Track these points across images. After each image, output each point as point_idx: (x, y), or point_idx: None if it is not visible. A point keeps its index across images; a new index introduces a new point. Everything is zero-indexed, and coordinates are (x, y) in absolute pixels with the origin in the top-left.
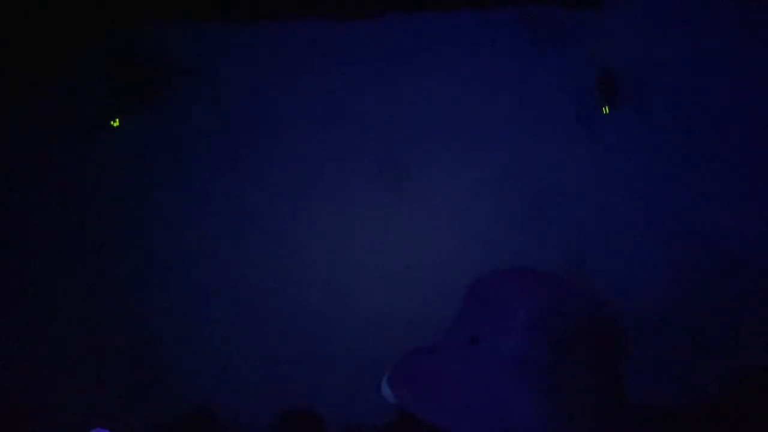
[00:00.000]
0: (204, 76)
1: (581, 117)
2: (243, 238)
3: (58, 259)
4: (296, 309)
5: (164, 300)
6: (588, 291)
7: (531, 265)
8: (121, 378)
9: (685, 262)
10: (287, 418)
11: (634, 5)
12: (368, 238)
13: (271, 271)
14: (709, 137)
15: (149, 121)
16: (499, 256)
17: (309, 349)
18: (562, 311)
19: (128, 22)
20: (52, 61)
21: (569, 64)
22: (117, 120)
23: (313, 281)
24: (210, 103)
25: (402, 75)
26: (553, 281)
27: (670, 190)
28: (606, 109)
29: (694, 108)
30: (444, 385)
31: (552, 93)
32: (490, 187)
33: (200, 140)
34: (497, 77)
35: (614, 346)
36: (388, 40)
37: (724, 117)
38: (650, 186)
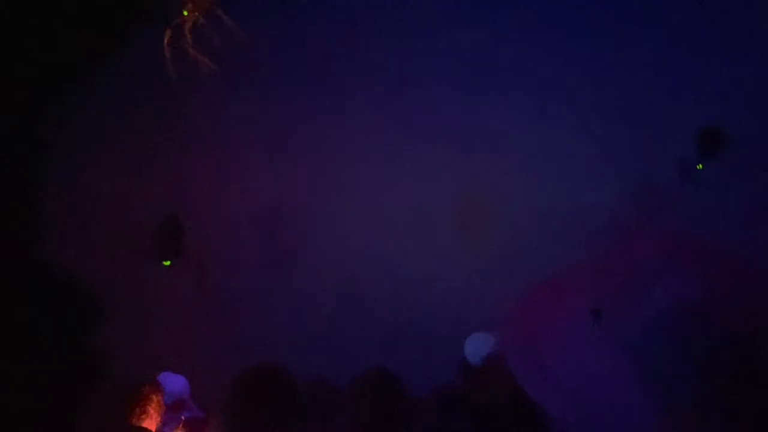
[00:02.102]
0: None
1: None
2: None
3: None
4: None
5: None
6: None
7: None
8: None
9: None
10: (364, 378)
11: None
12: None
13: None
14: None
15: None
16: None
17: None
18: (706, 313)
19: None
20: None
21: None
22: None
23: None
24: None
25: None
26: (710, 266)
27: None
28: (701, 165)
29: None
30: (554, 361)
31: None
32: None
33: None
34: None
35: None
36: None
37: None
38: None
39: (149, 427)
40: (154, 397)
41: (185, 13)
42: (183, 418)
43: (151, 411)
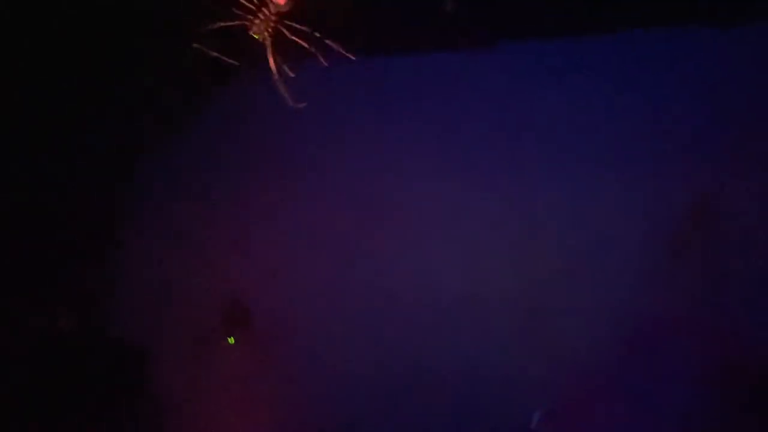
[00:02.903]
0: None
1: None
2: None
3: None
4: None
5: None
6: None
7: None
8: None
9: None
10: None
11: None
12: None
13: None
14: None
15: None
16: None
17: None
18: (731, 365)
19: None
20: None
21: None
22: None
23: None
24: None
25: None
26: (723, 330)
27: None
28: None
29: None
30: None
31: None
32: None
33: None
34: None
35: None
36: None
37: None
38: None
39: None
40: None
41: (256, 36)
42: None
43: None
